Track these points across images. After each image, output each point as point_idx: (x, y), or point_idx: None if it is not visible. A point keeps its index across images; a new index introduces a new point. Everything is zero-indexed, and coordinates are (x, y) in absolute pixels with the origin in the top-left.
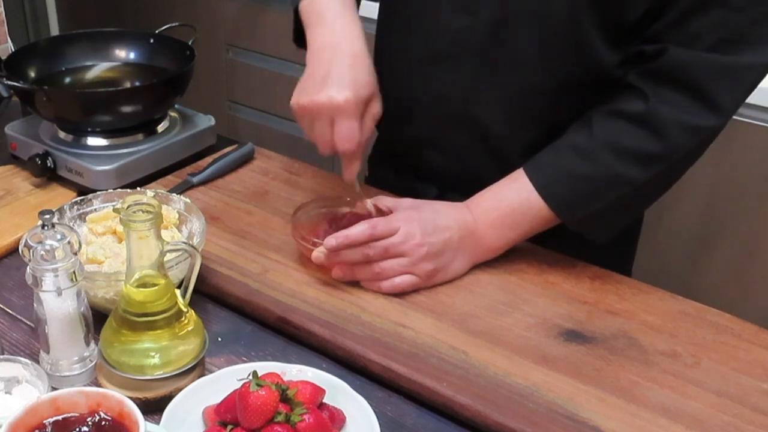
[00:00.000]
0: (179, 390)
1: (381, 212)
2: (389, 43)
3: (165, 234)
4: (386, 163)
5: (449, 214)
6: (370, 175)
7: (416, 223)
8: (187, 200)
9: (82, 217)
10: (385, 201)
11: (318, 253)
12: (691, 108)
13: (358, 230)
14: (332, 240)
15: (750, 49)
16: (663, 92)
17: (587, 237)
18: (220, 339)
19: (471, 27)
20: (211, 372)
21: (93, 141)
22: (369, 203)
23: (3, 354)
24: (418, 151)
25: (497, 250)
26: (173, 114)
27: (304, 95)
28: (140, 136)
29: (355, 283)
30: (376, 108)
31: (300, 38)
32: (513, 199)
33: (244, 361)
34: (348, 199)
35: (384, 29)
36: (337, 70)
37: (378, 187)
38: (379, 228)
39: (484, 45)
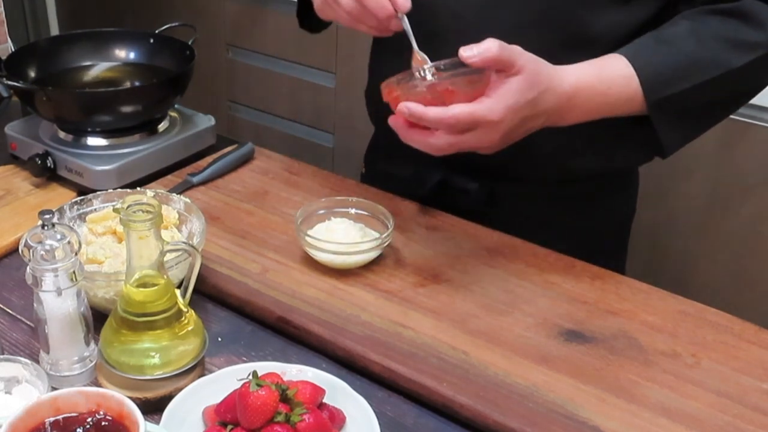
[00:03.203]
0: (179, 390)
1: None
2: None
3: (165, 234)
4: (385, 155)
5: (551, 99)
6: (367, 172)
7: (509, 120)
8: (187, 200)
9: (82, 217)
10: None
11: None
12: None
13: (435, 115)
14: (405, 109)
15: None
16: None
17: (661, 136)
18: (220, 339)
19: (468, 1)
20: (211, 372)
21: (93, 141)
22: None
23: (3, 354)
24: None
25: (569, 124)
26: (173, 114)
27: None
28: (140, 136)
29: (355, 284)
30: None
31: (305, 19)
32: (619, 84)
33: (244, 361)
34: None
35: None
36: None
37: (377, 181)
38: (461, 125)
39: (482, 17)
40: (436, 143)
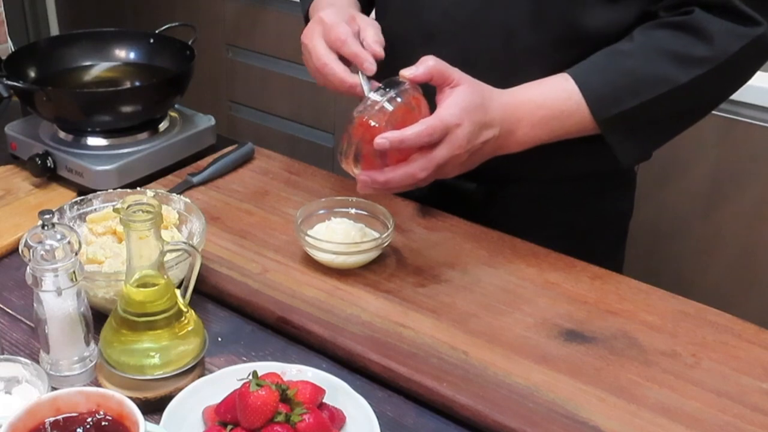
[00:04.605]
0: (179, 390)
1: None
2: (385, 28)
3: (165, 234)
4: None
5: (497, 108)
6: None
7: (467, 123)
8: (187, 200)
9: (82, 217)
10: (437, 67)
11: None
12: (735, 20)
13: (414, 133)
14: (384, 141)
15: None
16: (705, 10)
17: (616, 151)
18: (220, 339)
19: (462, 2)
20: (211, 372)
21: (93, 141)
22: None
23: (3, 354)
24: None
25: (523, 147)
26: (173, 114)
27: None
28: (140, 136)
29: (355, 284)
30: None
31: None
32: (558, 97)
33: (244, 361)
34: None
35: (379, 15)
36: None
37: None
38: (437, 134)
39: (476, 17)
40: (414, 169)
